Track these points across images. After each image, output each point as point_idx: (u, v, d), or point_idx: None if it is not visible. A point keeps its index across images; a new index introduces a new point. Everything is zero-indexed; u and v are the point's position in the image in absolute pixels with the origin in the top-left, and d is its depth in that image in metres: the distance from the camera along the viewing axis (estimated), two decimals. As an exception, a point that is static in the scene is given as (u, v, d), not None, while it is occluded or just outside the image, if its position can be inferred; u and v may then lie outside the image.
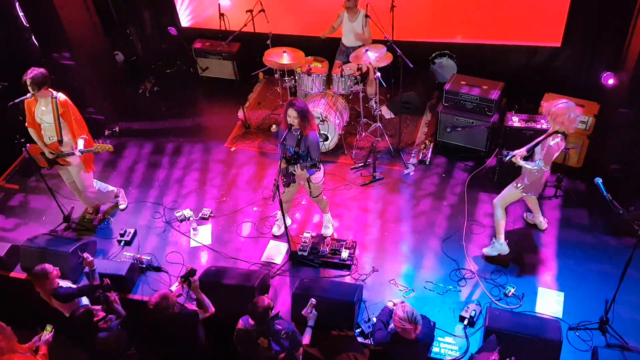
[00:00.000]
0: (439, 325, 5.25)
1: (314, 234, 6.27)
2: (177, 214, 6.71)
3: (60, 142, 5.94)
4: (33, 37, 7.92)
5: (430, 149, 7.27)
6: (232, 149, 7.75)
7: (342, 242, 6.12)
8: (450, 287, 5.71)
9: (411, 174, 7.07)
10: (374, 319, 5.08)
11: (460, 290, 5.68)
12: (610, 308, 5.12)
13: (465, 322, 5.33)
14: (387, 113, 7.93)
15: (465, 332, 5.29)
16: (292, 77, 7.49)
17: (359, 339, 5.25)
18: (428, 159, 7.16)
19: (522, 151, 5.26)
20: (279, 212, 6.15)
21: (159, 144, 7.94)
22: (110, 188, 6.75)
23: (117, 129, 8.17)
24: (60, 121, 5.84)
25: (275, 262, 6.16)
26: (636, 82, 5.98)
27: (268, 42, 7.50)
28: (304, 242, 6.14)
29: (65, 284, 5.26)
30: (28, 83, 5.60)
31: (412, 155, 7.32)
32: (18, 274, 6.26)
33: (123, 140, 8.05)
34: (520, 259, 5.91)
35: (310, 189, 5.77)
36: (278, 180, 5.38)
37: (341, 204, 6.74)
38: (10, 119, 7.36)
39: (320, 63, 7.53)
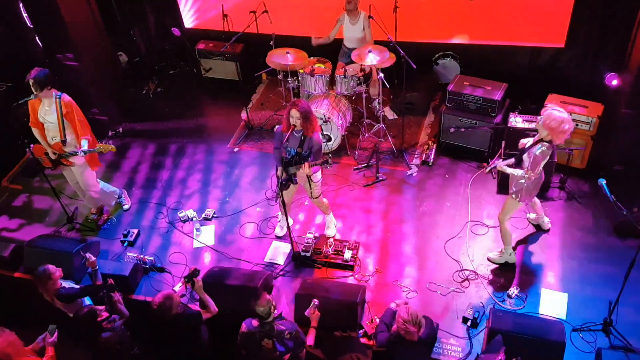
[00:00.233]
0: (442, 327, 5.24)
1: (317, 235, 6.27)
2: (180, 215, 6.72)
3: (64, 142, 5.96)
4: (37, 37, 7.94)
5: (433, 150, 7.26)
6: (235, 150, 7.75)
7: (345, 243, 6.12)
8: (454, 288, 5.71)
9: (414, 174, 7.06)
10: (377, 320, 5.07)
11: (464, 292, 5.67)
12: (614, 309, 5.10)
13: (469, 323, 5.33)
14: (390, 114, 7.92)
15: (468, 334, 5.29)
16: (295, 78, 7.50)
17: (362, 340, 5.24)
18: (431, 160, 7.15)
19: (511, 161, 5.22)
20: (281, 214, 6.17)
21: (162, 145, 7.95)
22: (113, 189, 6.77)
23: (120, 129, 8.19)
24: (64, 121, 5.85)
25: (278, 262, 6.16)
26: (640, 83, 5.97)
27: (271, 43, 7.51)
28: (307, 243, 6.14)
29: (68, 284, 5.27)
30: (31, 83, 5.62)
31: (415, 156, 7.31)
32: (21, 274, 6.27)
33: (126, 140, 8.07)
34: (523, 260, 5.90)
35: (311, 189, 5.77)
36: (281, 181, 5.38)
37: (344, 205, 6.74)
38: (15, 120, 7.40)
39: (323, 64, 7.53)
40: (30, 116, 5.98)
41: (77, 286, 5.36)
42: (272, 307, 4.53)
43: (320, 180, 5.83)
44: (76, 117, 5.89)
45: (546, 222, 6.12)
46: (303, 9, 8.21)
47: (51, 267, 5.03)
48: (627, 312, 5.21)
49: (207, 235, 6.53)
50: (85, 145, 5.88)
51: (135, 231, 6.57)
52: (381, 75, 6.90)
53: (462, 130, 6.93)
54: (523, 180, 5.15)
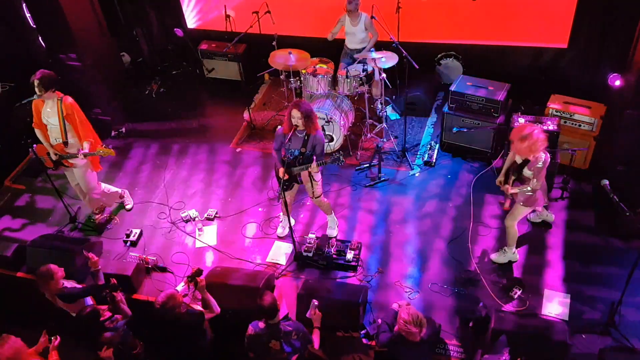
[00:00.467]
0: (444, 327, 5.23)
1: (318, 235, 6.27)
2: (183, 215, 6.73)
3: (66, 143, 5.98)
4: (40, 38, 7.97)
5: (436, 150, 7.25)
6: (238, 150, 7.76)
7: (347, 243, 6.12)
8: (456, 289, 5.70)
9: (416, 175, 7.06)
10: (379, 321, 5.07)
11: (466, 292, 5.66)
12: (616, 310, 5.09)
13: (471, 324, 5.32)
14: (392, 114, 7.92)
15: (470, 335, 5.27)
16: (297, 78, 7.51)
17: (364, 341, 5.24)
18: (433, 160, 7.15)
19: (508, 187, 5.24)
20: (283, 214, 6.17)
21: (165, 145, 7.97)
22: (114, 189, 6.78)
23: (123, 129, 8.20)
24: (65, 123, 5.87)
25: (280, 262, 6.17)
26: (643, 84, 5.95)
27: (274, 43, 7.51)
28: (309, 243, 6.14)
29: (70, 284, 5.27)
30: (35, 84, 5.64)
31: (418, 156, 7.31)
32: (23, 273, 6.29)
33: (129, 141, 8.09)
34: (526, 261, 5.89)
35: (313, 188, 5.76)
36: (283, 181, 5.38)
37: (346, 205, 6.74)
38: (17, 120, 7.41)
39: (325, 64, 7.53)
40: (33, 117, 5.99)
41: (80, 286, 5.37)
42: (276, 301, 4.53)
43: (321, 179, 5.83)
44: (77, 119, 5.90)
45: (549, 215, 6.15)
46: (305, 10, 8.22)
47: (53, 267, 5.04)
48: (629, 313, 5.20)
49: (209, 235, 6.54)
50: (86, 147, 5.90)
51: (138, 231, 6.58)
52: (383, 75, 6.90)
53: (465, 130, 6.92)
54: (531, 192, 5.17)
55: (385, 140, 7.44)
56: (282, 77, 7.71)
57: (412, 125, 7.74)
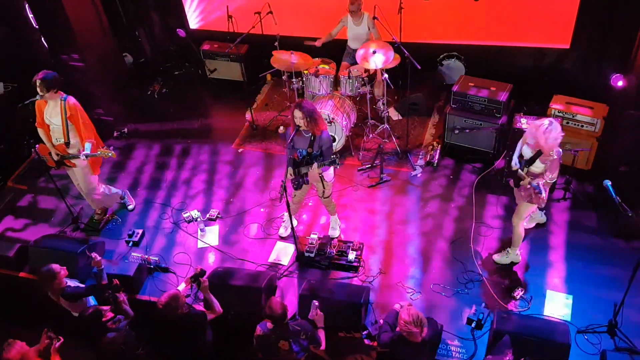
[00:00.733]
0: (446, 328, 5.23)
1: (320, 236, 6.27)
2: (185, 215, 6.73)
3: (67, 144, 5.99)
4: (42, 38, 7.98)
5: (438, 151, 7.25)
6: (240, 150, 7.76)
7: (349, 244, 6.12)
8: (458, 289, 5.70)
9: (418, 175, 7.05)
10: (381, 321, 5.07)
11: (468, 293, 5.66)
12: (619, 311, 5.08)
13: (473, 324, 5.30)
14: (394, 114, 7.92)
15: (472, 335, 5.27)
16: (299, 78, 7.51)
17: (366, 341, 5.24)
18: (435, 161, 7.15)
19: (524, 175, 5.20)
20: (286, 214, 6.17)
21: (167, 145, 7.97)
22: (115, 190, 6.78)
23: (125, 130, 8.21)
24: (68, 124, 5.88)
25: (282, 263, 6.17)
26: (645, 84, 5.95)
27: (276, 43, 7.52)
28: (311, 244, 6.14)
29: (73, 283, 5.29)
30: (37, 84, 5.65)
31: (420, 156, 7.30)
32: (26, 274, 6.30)
33: (131, 141, 8.09)
34: (528, 262, 5.89)
35: (324, 188, 5.75)
36: (285, 181, 5.38)
37: (348, 206, 6.74)
38: (20, 120, 7.43)
39: (327, 65, 7.53)
40: (36, 117, 6.01)
41: (83, 285, 5.38)
42: (286, 307, 4.55)
43: (332, 180, 5.83)
44: (80, 119, 5.92)
45: (542, 216, 6.15)
46: (308, 10, 8.22)
47: (56, 267, 5.05)
48: (632, 314, 5.19)
49: (211, 235, 6.54)
50: (88, 148, 5.91)
51: (140, 231, 6.59)
52: (385, 76, 6.90)
53: (467, 131, 6.92)
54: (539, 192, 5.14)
55: (387, 140, 7.44)
56: (284, 77, 7.71)
57: (414, 126, 7.74)
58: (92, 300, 5.35)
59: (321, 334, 4.90)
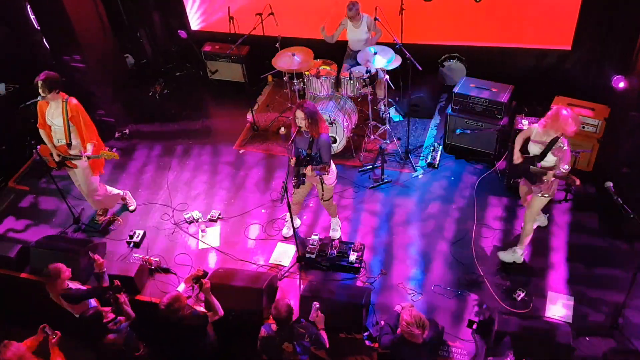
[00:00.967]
0: (447, 329, 5.22)
1: (321, 237, 6.27)
2: (186, 216, 6.74)
3: (69, 145, 6.00)
4: (44, 39, 7.99)
5: (439, 152, 7.25)
6: (241, 151, 7.76)
7: (350, 245, 6.11)
8: (459, 291, 5.69)
9: (420, 176, 7.05)
10: (382, 323, 5.07)
11: (469, 294, 5.65)
12: (620, 313, 5.07)
13: (474, 326, 5.30)
14: (395, 115, 7.92)
15: (474, 337, 5.26)
16: (300, 79, 7.51)
17: (367, 343, 5.24)
18: (437, 162, 7.14)
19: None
20: (288, 214, 6.17)
21: (168, 146, 7.98)
22: (116, 191, 6.79)
23: (127, 131, 8.22)
24: (70, 125, 5.89)
25: (283, 264, 6.17)
26: (647, 85, 5.94)
27: (277, 45, 7.52)
28: (312, 245, 6.14)
29: (75, 285, 5.28)
30: (39, 85, 5.66)
31: (421, 158, 7.30)
32: (27, 274, 6.31)
33: (133, 142, 8.10)
34: (529, 263, 5.88)
35: (323, 190, 5.76)
36: (287, 182, 5.39)
37: (349, 207, 6.73)
38: (21, 121, 7.44)
39: (329, 66, 7.53)
40: (38, 118, 6.01)
41: (84, 287, 5.38)
42: (292, 309, 4.56)
43: (333, 183, 5.83)
44: (82, 121, 5.93)
45: (545, 219, 6.16)
46: (309, 11, 8.22)
47: (61, 266, 5.05)
48: (633, 316, 5.19)
49: (212, 236, 6.54)
50: (90, 149, 5.92)
51: (141, 232, 6.59)
52: (387, 77, 6.89)
53: (468, 132, 6.91)
54: (553, 179, 5.19)
55: (388, 141, 7.44)
56: (285, 78, 7.71)
57: (415, 127, 7.73)
58: (93, 302, 5.35)
59: (323, 335, 4.90)
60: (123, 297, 5.18)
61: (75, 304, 5.18)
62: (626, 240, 5.95)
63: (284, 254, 6.27)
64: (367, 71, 7.07)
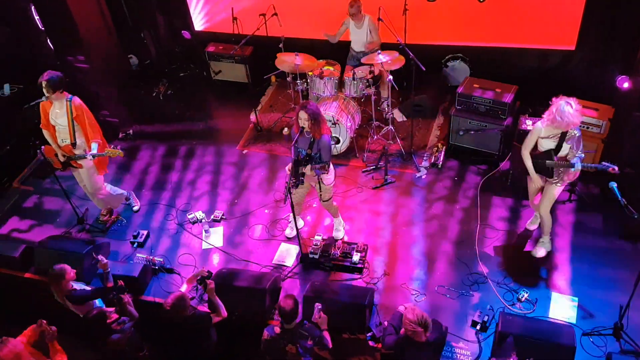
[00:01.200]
0: (451, 330, 5.22)
1: (325, 237, 6.27)
2: (190, 216, 6.74)
3: (74, 145, 6.02)
4: (48, 40, 8.01)
5: (443, 152, 7.24)
6: (244, 152, 7.77)
7: (353, 245, 6.11)
8: (463, 291, 5.68)
9: (423, 177, 7.05)
10: (385, 323, 5.06)
11: (473, 295, 5.64)
12: (624, 314, 5.06)
13: (478, 327, 5.30)
14: (399, 116, 7.91)
15: (477, 337, 5.26)
16: (304, 80, 7.51)
17: (370, 343, 5.23)
18: (440, 162, 7.13)
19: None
20: (292, 215, 6.17)
21: (172, 147, 7.99)
22: (120, 191, 6.80)
23: (130, 131, 8.24)
24: (74, 124, 5.90)
25: (286, 264, 6.17)
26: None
27: (280, 45, 7.53)
28: (315, 245, 6.13)
29: (78, 286, 5.29)
30: (43, 85, 5.67)
31: (424, 158, 7.29)
32: (31, 274, 6.32)
33: (136, 142, 8.11)
34: (533, 264, 5.86)
35: (321, 191, 5.77)
36: (290, 183, 5.39)
37: (352, 207, 6.73)
38: (25, 121, 7.46)
39: (332, 66, 7.53)
40: (41, 118, 6.03)
41: (89, 288, 5.39)
42: (297, 307, 4.57)
43: (331, 184, 5.83)
44: (86, 120, 5.93)
45: (548, 244, 6.12)
46: (312, 12, 8.23)
47: (67, 267, 5.05)
48: (638, 316, 5.16)
49: (215, 236, 6.55)
50: (94, 148, 5.93)
51: (145, 232, 6.60)
52: (390, 77, 6.89)
53: (472, 132, 6.91)
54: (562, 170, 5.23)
55: (391, 142, 7.43)
56: (288, 79, 7.72)
57: (419, 128, 7.73)
58: (98, 302, 5.36)
59: (326, 336, 4.90)
60: (127, 298, 5.19)
61: (80, 305, 5.19)
62: (630, 240, 5.93)
63: (287, 254, 6.27)
64: (371, 71, 7.06)
